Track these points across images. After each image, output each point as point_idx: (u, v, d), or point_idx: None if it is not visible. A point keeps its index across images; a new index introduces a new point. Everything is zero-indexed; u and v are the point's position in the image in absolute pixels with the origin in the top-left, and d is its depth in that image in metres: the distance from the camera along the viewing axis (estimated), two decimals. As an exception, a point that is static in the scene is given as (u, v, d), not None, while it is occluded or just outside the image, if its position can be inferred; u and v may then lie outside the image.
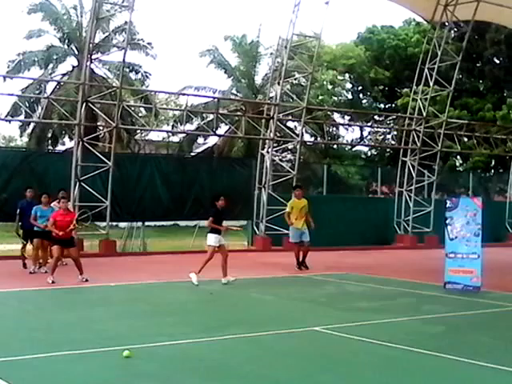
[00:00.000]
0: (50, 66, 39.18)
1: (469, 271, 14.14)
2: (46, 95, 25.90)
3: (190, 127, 36.18)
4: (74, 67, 38.68)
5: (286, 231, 23.84)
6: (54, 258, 14.36)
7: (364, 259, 21.42)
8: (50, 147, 38.00)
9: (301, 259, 18.01)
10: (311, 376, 7.16)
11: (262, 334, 9.24)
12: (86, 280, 14.21)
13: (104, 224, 21.56)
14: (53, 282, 13.76)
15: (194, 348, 8.42)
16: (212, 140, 42.13)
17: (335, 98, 44.44)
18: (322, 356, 8.18)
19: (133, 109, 29.49)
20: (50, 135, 39.23)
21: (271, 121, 24.74)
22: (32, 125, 38.31)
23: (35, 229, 16.04)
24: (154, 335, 8.93)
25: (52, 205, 16.36)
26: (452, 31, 32.23)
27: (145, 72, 40.59)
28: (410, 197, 27.63)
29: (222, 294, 13.42)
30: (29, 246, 16.78)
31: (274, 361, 7.85)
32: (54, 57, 39.07)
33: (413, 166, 27.70)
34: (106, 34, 34.47)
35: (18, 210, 16.75)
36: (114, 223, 26.17)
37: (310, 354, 8.22)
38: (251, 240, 25.21)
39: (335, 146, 44.05)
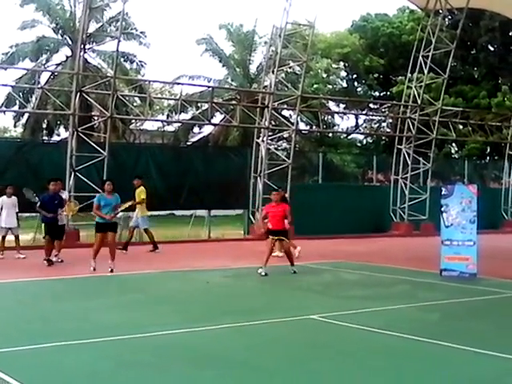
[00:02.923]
0: (44, 56, 39.00)
1: (464, 258, 14.19)
2: (40, 85, 25.79)
3: (184, 116, 36.23)
4: (67, 57, 38.51)
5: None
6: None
7: (360, 247, 21.44)
8: (45, 137, 37.88)
9: None
10: (307, 364, 7.16)
11: (257, 323, 9.25)
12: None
13: (99, 214, 21.53)
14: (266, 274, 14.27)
15: (188, 337, 8.42)
16: (207, 129, 42.14)
17: (330, 87, 44.44)
18: (318, 344, 8.19)
19: (127, 98, 29.39)
20: (44, 125, 39.14)
21: (266, 109, 24.71)
22: (26, 115, 38.19)
23: (98, 220, 14.72)
24: (149, 325, 8.92)
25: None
26: (446, 19, 32.20)
27: (140, 61, 40.52)
28: (405, 184, 27.66)
29: (218, 283, 13.44)
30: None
31: (269, 349, 7.86)
32: (47, 47, 38.88)
33: (408, 154, 27.71)
34: (100, 23, 34.30)
35: (39, 203, 16.26)
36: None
37: (306, 342, 8.23)
38: (247, 229, 25.22)
39: (330, 135, 44.06)
